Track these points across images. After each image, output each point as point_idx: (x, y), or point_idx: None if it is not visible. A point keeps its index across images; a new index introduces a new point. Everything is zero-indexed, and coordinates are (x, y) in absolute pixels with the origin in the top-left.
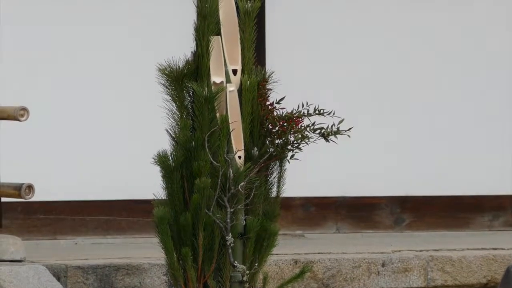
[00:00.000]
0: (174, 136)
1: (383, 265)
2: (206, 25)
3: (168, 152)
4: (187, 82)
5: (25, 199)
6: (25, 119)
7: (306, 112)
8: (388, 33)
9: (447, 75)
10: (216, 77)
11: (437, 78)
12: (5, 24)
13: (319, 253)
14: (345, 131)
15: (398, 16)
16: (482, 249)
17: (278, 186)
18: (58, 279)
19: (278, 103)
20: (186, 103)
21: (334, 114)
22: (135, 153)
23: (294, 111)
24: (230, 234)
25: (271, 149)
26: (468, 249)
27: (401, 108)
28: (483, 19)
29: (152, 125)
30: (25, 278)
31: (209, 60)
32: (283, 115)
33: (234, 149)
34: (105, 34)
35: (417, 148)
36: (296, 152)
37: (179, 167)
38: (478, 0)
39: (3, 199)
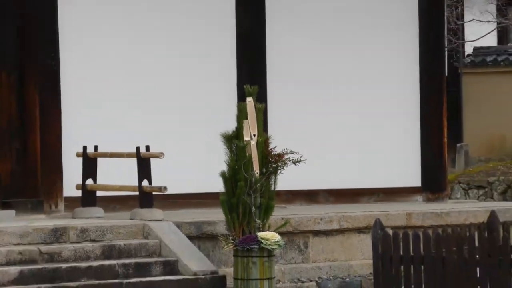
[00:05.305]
0: (228, 163)
1: (321, 219)
2: (241, 115)
3: (225, 170)
4: (233, 140)
5: (163, 193)
6: (162, 158)
7: (287, 152)
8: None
9: None
10: (246, 137)
11: None
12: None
13: (292, 214)
14: (303, 161)
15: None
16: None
17: (274, 185)
18: (178, 227)
19: (273, 149)
20: (233, 149)
21: (302, 161)
22: (212, 166)
23: (281, 152)
24: (253, 207)
25: (270, 169)
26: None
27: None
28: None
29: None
30: (164, 227)
31: (242, 130)
32: (276, 153)
33: (255, 169)
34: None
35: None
36: (281, 170)
37: (231, 177)
38: None
39: (139, 193)
